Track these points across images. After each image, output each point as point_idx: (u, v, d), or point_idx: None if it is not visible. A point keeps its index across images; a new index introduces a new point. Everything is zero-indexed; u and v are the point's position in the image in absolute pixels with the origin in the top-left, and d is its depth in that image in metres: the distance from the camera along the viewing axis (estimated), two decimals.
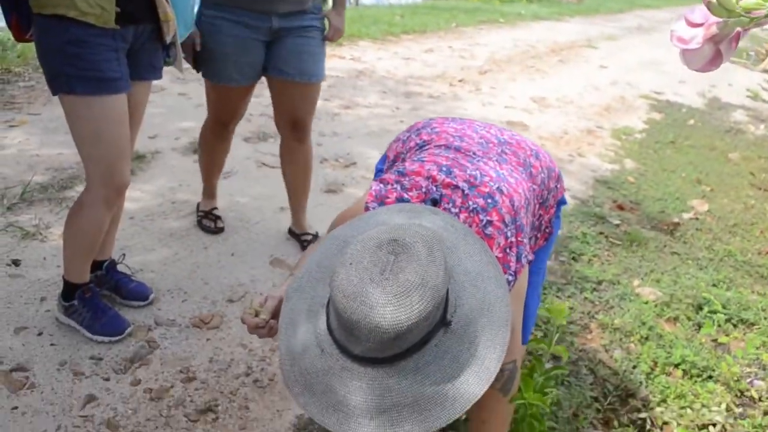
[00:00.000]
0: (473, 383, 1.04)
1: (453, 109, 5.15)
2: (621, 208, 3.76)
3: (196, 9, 2.24)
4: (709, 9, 0.72)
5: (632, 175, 4.33)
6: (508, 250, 1.25)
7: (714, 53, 0.75)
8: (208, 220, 2.84)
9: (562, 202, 1.61)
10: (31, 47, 1.88)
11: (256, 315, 1.30)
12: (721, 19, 0.72)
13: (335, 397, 1.05)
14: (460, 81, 6.04)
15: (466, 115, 5.04)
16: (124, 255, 2.37)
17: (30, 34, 1.84)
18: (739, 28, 0.73)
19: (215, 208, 2.89)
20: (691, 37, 0.75)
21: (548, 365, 2.11)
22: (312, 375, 1.08)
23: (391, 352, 1.02)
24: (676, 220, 3.70)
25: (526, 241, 1.31)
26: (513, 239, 1.26)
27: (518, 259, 1.26)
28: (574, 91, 6.38)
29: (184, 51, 2.17)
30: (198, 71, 2.42)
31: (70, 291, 2.08)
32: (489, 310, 1.09)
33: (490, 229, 1.25)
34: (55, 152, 3.34)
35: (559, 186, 1.56)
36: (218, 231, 2.81)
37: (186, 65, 2.20)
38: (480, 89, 5.89)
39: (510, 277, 1.25)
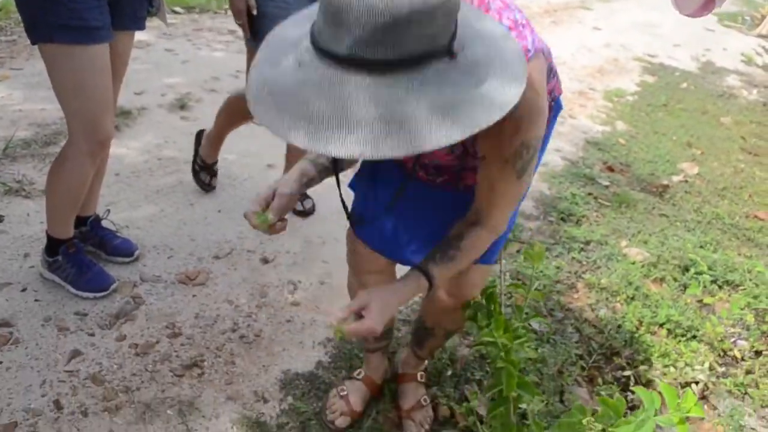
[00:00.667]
0: (479, 114, 0.89)
1: None
2: (611, 169, 3.75)
3: None
4: None
5: (623, 137, 4.31)
6: (520, 28, 1.13)
7: None
8: (206, 174, 2.77)
9: (558, 104, 1.50)
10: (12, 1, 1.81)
11: (263, 220, 1.25)
12: None
13: (308, 110, 0.89)
14: None
15: None
16: (108, 211, 2.34)
17: None
18: None
19: (216, 163, 2.81)
20: None
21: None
22: (284, 92, 0.93)
23: (383, 54, 0.87)
24: (665, 182, 3.70)
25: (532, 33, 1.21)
26: (523, 21, 1.16)
27: (533, 42, 1.14)
28: (567, 53, 6.31)
29: (237, 16, 2.09)
30: (254, 38, 2.17)
31: (54, 246, 2.06)
32: (502, 59, 0.96)
33: (497, 3, 1.15)
34: (38, 107, 3.28)
35: (554, 80, 1.43)
36: (210, 189, 2.77)
37: (174, 20, 2.13)
38: None
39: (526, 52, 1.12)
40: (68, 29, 1.69)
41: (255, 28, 2.12)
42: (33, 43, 1.74)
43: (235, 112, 2.53)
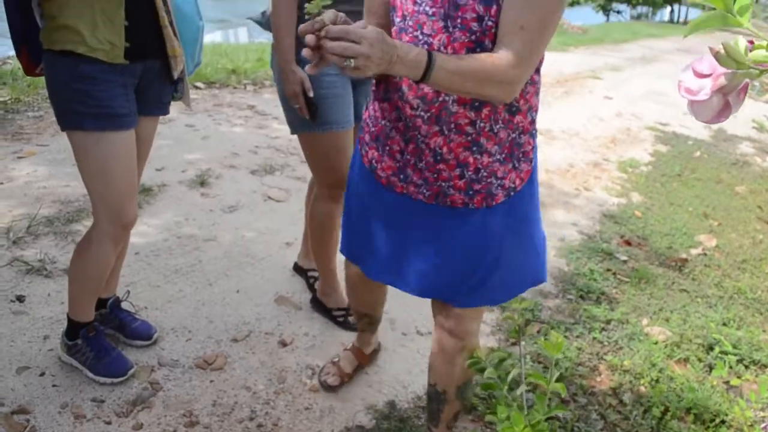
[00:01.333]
0: None
1: None
2: (628, 243, 3.73)
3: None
4: (717, 60, 0.70)
5: (639, 209, 4.30)
6: None
7: (723, 105, 0.74)
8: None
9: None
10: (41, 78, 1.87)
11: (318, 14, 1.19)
12: (729, 70, 0.70)
13: None
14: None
15: None
16: (128, 292, 2.35)
17: (40, 69, 1.84)
18: (747, 80, 0.71)
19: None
20: (699, 88, 0.73)
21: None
22: None
23: None
24: (684, 255, 3.66)
25: None
26: None
27: None
28: (579, 123, 6.39)
29: (293, 100, 2.04)
30: (314, 121, 2.08)
31: (74, 330, 2.05)
32: None
33: None
34: (62, 184, 3.34)
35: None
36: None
37: (195, 96, 2.18)
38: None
39: None
40: (96, 117, 1.73)
41: (312, 111, 2.06)
42: (62, 129, 1.78)
43: (326, 213, 2.29)
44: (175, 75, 1.90)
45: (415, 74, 1.25)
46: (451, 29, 1.32)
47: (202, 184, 3.61)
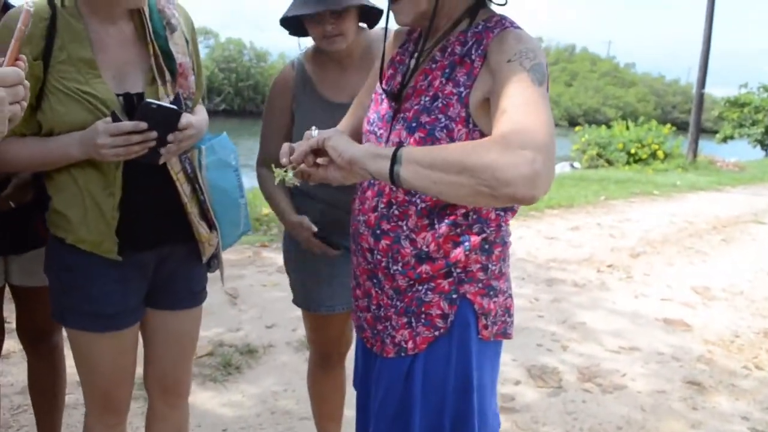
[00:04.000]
0: None
1: (599, 302, 4.56)
2: None
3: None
4: None
5: None
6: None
7: None
8: None
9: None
10: None
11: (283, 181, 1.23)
12: None
13: None
14: (609, 266, 5.45)
15: (615, 310, 4.43)
16: None
17: None
18: None
19: None
20: None
21: None
22: None
23: None
24: None
25: None
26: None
27: None
28: (743, 279, 5.54)
29: (314, 248, 1.89)
30: (338, 250, 1.93)
31: None
32: None
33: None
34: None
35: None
36: None
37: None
38: (631, 276, 5.26)
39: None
40: (81, 314, 1.51)
41: (331, 244, 1.88)
42: (51, 317, 1.58)
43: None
44: (204, 260, 1.66)
45: (383, 174, 1.10)
46: None
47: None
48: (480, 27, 1.26)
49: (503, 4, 1.32)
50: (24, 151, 1.42)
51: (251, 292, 4.17)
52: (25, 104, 0.94)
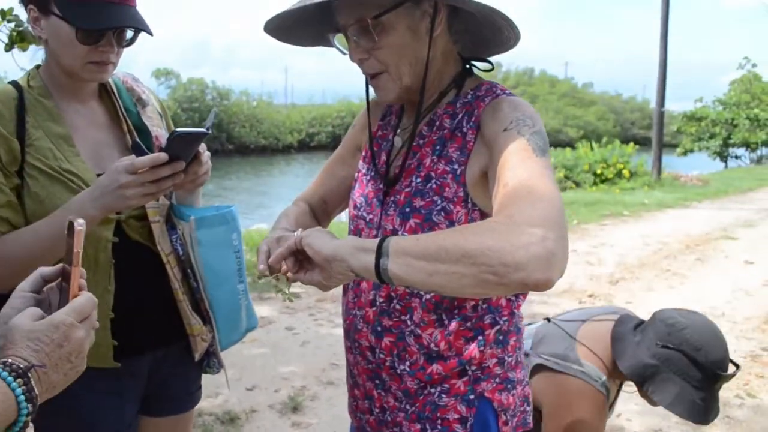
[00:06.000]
0: None
1: None
2: None
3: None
4: None
5: None
6: None
7: None
8: None
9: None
10: None
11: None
12: None
13: None
14: (590, 296, 5.40)
15: None
16: None
17: None
18: None
19: None
20: None
21: None
22: None
23: None
24: None
25: None
26: None
27: None
28: (721, 299, 5.53)
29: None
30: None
31: None
32: None
33: None
34: None
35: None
36: None
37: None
38: (613, 305, 5.19)
39: None
40: None
41: None
42: None
43: None
44: (196, 357, 1.52)
45: (365, 267, 0.96)
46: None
47: (295, 409, 3.18)
48: (469, 97, 1.18)
49: (490, 70, 1.24)
50: (24, 239, 1.25)
51: (228, 350, 4.00)
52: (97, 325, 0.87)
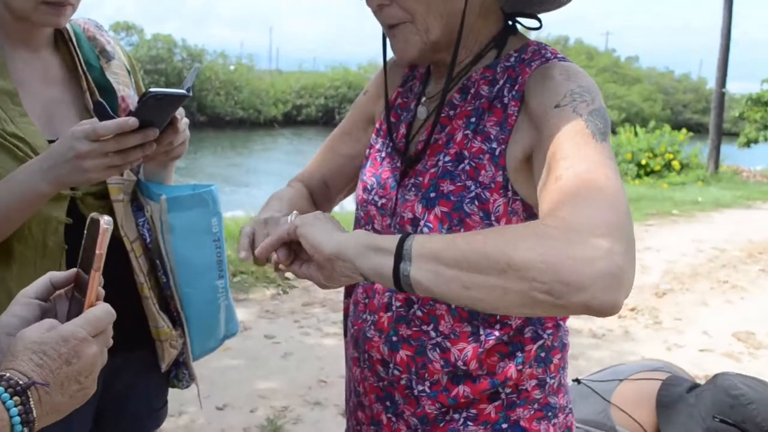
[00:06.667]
0: None
1: (624, 356, 4.48)
2: None
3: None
4: None
5: None
6: None
7: None
8: None
9: None
10: None
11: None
12: None
13: None
14: (631, 310, 5.40)
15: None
16: None
17: None
18: None
19: None
20: None
21: None
22: None
23: None
24: None
25: None
26: None
27: None
28: None
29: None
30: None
31: None
32: None
33: None
34: None
35: None
36: None
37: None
38: (659, 321, 5.21)
39: None
40: None
41: None
42: None
43: None
44: (163, 367, 1.50)
45: (377, 272, 0.93)
46: (392, 229, 1.18)
47: None
48: (512, 60, 1.15)
49: (538, 28, 1.21)
50: None
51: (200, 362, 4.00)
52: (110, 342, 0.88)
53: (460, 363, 1.13)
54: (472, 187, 1.09)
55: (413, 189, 1.15)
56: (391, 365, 1.18)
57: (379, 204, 1.21)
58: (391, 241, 0.91)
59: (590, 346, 4.63)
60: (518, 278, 0.83)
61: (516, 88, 1.10)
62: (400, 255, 0.90)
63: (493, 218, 1.08)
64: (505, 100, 1.11)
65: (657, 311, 5.43)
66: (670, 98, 46.99)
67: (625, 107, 40.02)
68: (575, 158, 0.94)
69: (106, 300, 1.32)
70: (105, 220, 0.82)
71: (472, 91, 1.15)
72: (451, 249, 0.87)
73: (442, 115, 1.16)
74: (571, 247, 0.82)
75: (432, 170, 1.14)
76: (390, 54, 1.19)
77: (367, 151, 1.30)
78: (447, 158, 1.13)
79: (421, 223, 1.12)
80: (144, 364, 1.49)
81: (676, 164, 14.45)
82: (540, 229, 0.86)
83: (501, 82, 1.12)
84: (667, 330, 5.04)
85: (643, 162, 14.39)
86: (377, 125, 1.30)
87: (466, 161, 1.11)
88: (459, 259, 0.86)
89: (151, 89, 1.18)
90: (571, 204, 0.88)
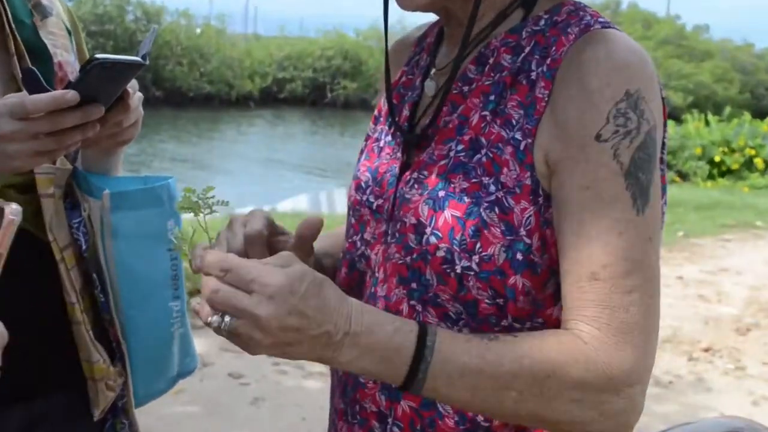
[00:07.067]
0: None
1: (697, 410, 4.52)
2: None
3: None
4: None
5: None
6: None
7: None
8: None
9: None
10: None
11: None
12: None
13: None
14: (705, 350, 5.46)
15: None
16: None
17: None
18: None
19: None
20: None
21: None
22: None
23: None
24: None
25: None
26: None
27: None
28: None
29: None
30: None
31: None
32: None
33: None
34: None
35: None
36: None
37: None
38: (742, 366, 5.26)
39: None
40: None
41: None
42: None
43: None
44: (97, 414, 1.53)
45: (389, 373, 1.01)
46: (389, 238, 1.20)
47: None
48: (542, 23, 1.15)
49: None
50: None
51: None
52: None
53: (481, 419, 1.15)
54: (492, 188, 1.09)
55: (416, 186, 1.17)
56: (389, 420, 1.20)
57: (374, 206, 1.25)
58: (403, 345, 0.99)
59: (653, 398, 4.58)
60: (542, 423, 1.07)
61: (548, 62, 1.10)
62: (420, 359, 0.99)
63: (522, 232, 1.09)
64: (533, 75, 1.11)
65: (739, 353, 5.48)
66: (749, 78, 47.26)
67: (693, 89, 40.29)
68: (612, 250, 1.02)
69: (22, 327, 1.34)
70: (11, 210, 0.82)
71: (491, 61, 1.16)
72: (472, 363, 1.01)
73: (454, 91, 1.17)
74: (603, 405, 1.01)
75: (442, 162, 1.15)
76: (392, 20, 1.25)
77: (363, 143, 1.34)
78: (460, 146, 1.14)
79: (428, 230, 1.12)
80: (71, 411, 1.53)
81: (759, 162, 14.61)
82: (581, 374, 1.00)
83: (527, 49, 1.13)
84: (752, 378, 5.07)
85: (717, 159, 14.55)
86: (375, 112, 1.34)
87: (484, 151, 1.11)
88: (484, 373, 1.01)
89: (98, 55, 1.22)
90: (614, 336, 1.01)
